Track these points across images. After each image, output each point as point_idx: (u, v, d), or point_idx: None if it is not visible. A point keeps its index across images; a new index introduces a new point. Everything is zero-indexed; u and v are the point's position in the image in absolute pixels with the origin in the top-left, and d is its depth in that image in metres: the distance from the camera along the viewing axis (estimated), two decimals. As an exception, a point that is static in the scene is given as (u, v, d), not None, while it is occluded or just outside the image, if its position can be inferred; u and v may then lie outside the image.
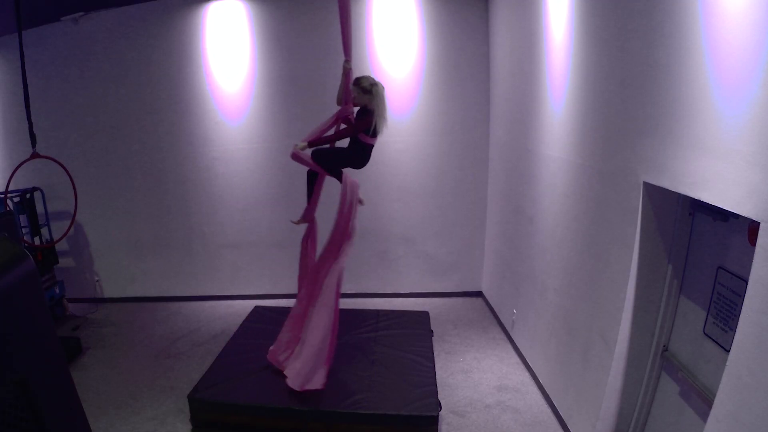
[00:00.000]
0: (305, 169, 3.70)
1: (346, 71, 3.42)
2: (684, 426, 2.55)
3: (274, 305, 5.23)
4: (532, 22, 4.07)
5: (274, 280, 5.97)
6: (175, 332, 5.27)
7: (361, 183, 3.67)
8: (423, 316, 4.81)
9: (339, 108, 3.61)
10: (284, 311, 4.94)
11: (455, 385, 4.13)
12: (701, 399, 2.38)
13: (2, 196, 4.64)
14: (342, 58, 3.45)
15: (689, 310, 2.61)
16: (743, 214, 1.84)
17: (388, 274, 6.03)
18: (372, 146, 3.52)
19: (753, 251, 1.80)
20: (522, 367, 4.40)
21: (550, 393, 3.84)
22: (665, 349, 2.75)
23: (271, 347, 3.88)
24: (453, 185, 5.77)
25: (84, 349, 4.88)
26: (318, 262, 3.84)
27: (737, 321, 1.86)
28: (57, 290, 5.49)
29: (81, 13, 5.34)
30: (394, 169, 5.70)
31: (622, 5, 2.71)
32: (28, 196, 5.32)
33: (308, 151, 3.52)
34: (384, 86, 3.43)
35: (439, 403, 3.45)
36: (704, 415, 2.23)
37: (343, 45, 3.39)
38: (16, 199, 5.22)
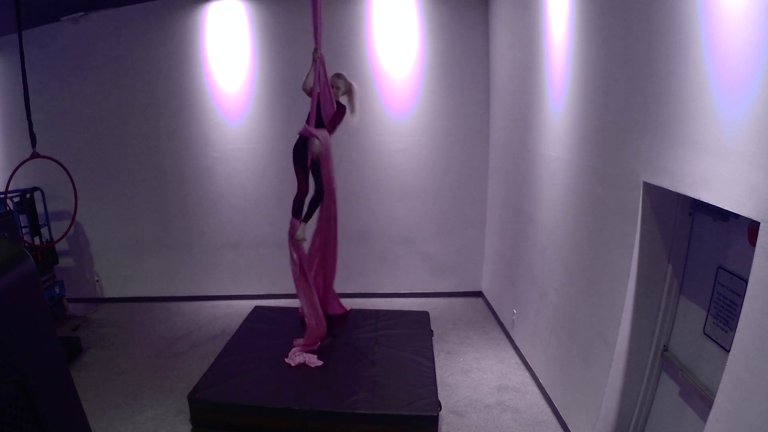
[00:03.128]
0: None
1: (315, 59, 3.67)
2: (684, 426, 2.55)
3: (274, 305, 5.23)
4: (532, 21, 4.07)
5: (274, 280, 5.96)
6: (175, 332, 5.27)
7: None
8: (423, 316, 4.81)
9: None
10: (284, 311, 4.97)
11: (455, 385, 4.13)
12: (701, 399, 2.38)
13: (2, 196, 4.64)
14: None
15: (689, 310, 2.61)
16: (743, 214, 1.84)
17: (388, 274, 6.03)
18: (305, 139, 3.78)
19: (753, 251, 1.80)
20: (522, 367, 4.40)
21: (550, 393, 3.84)
22: (665, 349, 2.75)
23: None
24: (453, 185, 5.77)
25: (84, 349, 4.87)
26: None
27: (737, 321, 1.86)
28: (57, 290, 5.49)
29: (81, 13, 5.34)
30: (394, 169, 5.70)
31: (622, 5, 2.71)
32: (28, 196, 5.32)
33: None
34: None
35: (439, 403, 3.45)
36: (704, 415, 2.23)
37: (314, 33, 3.63)
38: (16, 199, 5.22)
